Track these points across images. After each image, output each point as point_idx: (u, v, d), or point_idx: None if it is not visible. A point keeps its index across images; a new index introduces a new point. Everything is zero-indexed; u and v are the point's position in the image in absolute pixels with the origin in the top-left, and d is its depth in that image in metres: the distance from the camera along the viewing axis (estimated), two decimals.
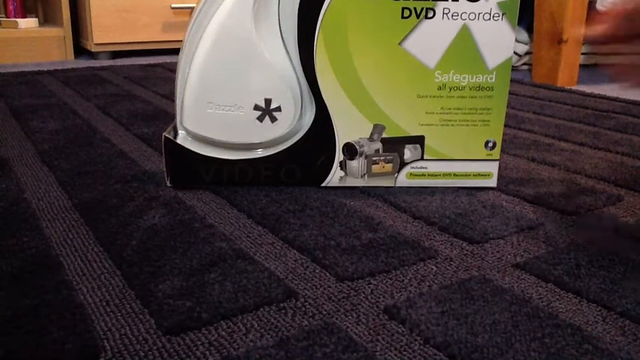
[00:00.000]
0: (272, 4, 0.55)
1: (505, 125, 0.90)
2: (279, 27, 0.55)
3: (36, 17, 1.71)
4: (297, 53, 0.55)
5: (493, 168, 0.60)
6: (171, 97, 1.04)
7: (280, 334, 0.36)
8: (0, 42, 1.50)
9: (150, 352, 0.34)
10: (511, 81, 1.33)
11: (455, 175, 0.60)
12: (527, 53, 1.56)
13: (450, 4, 0.54)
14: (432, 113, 0.57)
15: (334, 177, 0.59)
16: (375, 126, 0.57)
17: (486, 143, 0.58)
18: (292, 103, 0.56)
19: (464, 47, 0.55)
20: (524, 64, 1.59)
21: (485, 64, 0.56)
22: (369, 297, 0.40)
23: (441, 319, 0.37)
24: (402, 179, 0.60)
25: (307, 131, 0.57)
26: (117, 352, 0.34)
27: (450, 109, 0.57)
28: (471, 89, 0.56)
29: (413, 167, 0.59)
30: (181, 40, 1.70)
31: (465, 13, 0.54)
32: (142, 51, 1.71)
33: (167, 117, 0.89)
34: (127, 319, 0.37)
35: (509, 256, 0.46)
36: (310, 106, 0.57)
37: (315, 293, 0.40)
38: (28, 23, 1.59)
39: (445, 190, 0.60)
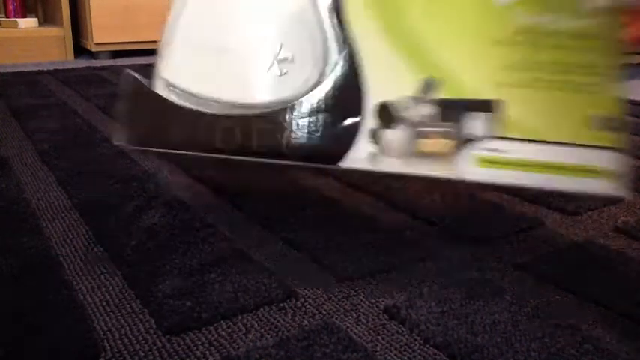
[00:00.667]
0: None
1: None
2: None
3: (36, 17, 1.71)
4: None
5: (610, 162, 0.38)
6: None
7: (280, 334, 0.36)
8: (0, 42, 1.50)
9: (150, 352, 0.34)
10: None
11: (551, 167, 0.39)
12: None
13: None
14: (510, 68, 0.39)
15: (360, 153, 0.40)
16: (426, 81, 0.39)
17: (594, 120, 0.38)
18: (310, 55, 0.42)
19: None
20: None
21: (581, 3, 0.38)
22: (369, 297, 0.40)
23: (441, 319, 0.37)
24: (469, 167, 0.39)
25: (324, 84, 0.41)
26: (117, 352, 0.34)
27: (537, 62, 0.38)
28: (567, 37, 0.38)
29: (484, 149, 0.39)
30: None
31: None
32: (142, 51, 1.71)
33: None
34: (127, 319, 0.37)
35: (509, 256, 0.46)
36: (338, 56, 0.41)
37: (315, 293, 0.40)
38: (28, 23, 1.59)
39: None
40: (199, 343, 0.35)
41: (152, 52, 1.70)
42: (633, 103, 1.09)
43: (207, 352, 0.34)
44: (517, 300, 0.40)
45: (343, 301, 0.39)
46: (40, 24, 1.70)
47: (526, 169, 0.39)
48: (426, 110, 0.39)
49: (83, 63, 1.53)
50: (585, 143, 0.38)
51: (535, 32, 0.38)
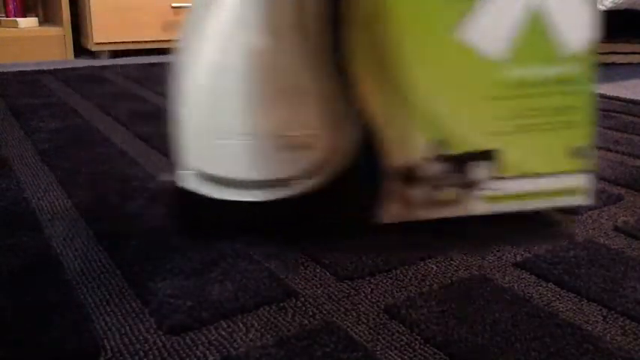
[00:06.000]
0: (288, 5, 0.43)
1: None
2: (300, 34, 0.43)
3: (36, 16, 1.71)
4: (324, 60, 0.44)
5: (584, 181, 0.47)
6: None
7: (280, 334, 0.36)
8: (0, 41, 1.50)
9: (150, 352, 0.34)
10: None
11: (540, 194, 0.47)
12: None
13: None
14: (504, 118, 0.45)
15: (388, 212, 0.47)
16: (434, 142, 0.45)
17: (574, 150, 0.46)
18: (323, 128, 0.45)
19: (536, 31, 0.43)
20: None
21: (563, 51, 0.44)
22: (369, 296, 0.40)
23: (441, 319, 0.37)
24: (475, 205, 0.47)
25: (350, 157, 0.45)
26: (117, 352, 0.34)
27: (524, 110, 0.45)
28: (548, 84, 0.45)
29: (486, 189, 0.47)
30: None
31: None
32: (142, 50, 1.71)
33: (167, 116, 0.89)
34: (127, 319, 0.37)
35: (509, 256, 0.46)
36: (352, 125, 0.45)
37: (315, 293, 0.40)
38: (28, 22, 1.59)
39: None
40: (199, 342, 0.35)
41: (152, 52, 1.70)
42: (633, 102, 1.09)
43: (207, 352, 0.34)
44: (517, 300, 0.40)
45: (343, 301, 0.39)
46: (40, 23, 1.70)
47: (519, 198, 0.47)
48: (437, 167, 0.45)
49: (83, 62, 1.53)
50: (567, 170, 0.47)
51: (522, 84, 0.44)
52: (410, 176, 0.46)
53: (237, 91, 0.44)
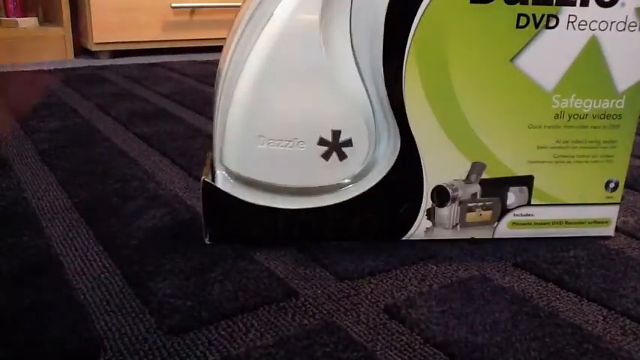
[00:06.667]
0: (342, 12, 0.43)
1: None
2: (351, 40, 0.43)
3: (36, 16, 1.71)
4: (374, 72, 0.44)
5: (612, 213, 0.49)
6: (172, 96, 1.04)
7: (280, 334, 0.36)
8: (0, 41, 1.50)
9: (150, 352, 0.34)
10: None
11: (567, 222, 0.49)
12: None
13: (577, 10, 0.43)
14: (545, 147, 0.46)
15: (419, 228, 0.48)
16: (474, 165, 0.46)
17: (607, 183, 0.48)
18: (366, 135, 0.45)
19: (590, 65, 0.44)
20: None
21: (614, 86, 0.45)
22: (369, 296, 0.40)
23: (441, 319, 0.37)
24: (503, 229, 0.49)
25: (389, 171, 0.46)
26: (117, 352, 0.34)
27: (567, 142, 0.46)
28: (594, 117, 0.46)
29: (517, 214, 0.48)
30: (182, 39, 1.70)
31: (595, 21, 0.43)
32: (142, 50, 1.71)
33: (167, 116, 0.89)
34: (127, 319, 0.37)
35: (509, 255, 0.46)
36: (388, 138, 0.46)
37: (315, 292, 0.40)
38: (27, 22, 1.59)
39: None
40: (199, 342, 0.35)
41: (152, 52, 1.70)
42: None
43: (207, 352, 0.34)
44: (517, 300, 0.40)
45: (343, 301, 0.39)
46: (40, 23, 1.70)
47: (546, 225, 0.49)
48: (473, 189, 0.47)
49: (83, 62, 1.53)
50: (598, 201, 0.48)
51: (568, 115, 0.46)
52: (444, 196, 0.47)
53: (283, 97, 0.44)
